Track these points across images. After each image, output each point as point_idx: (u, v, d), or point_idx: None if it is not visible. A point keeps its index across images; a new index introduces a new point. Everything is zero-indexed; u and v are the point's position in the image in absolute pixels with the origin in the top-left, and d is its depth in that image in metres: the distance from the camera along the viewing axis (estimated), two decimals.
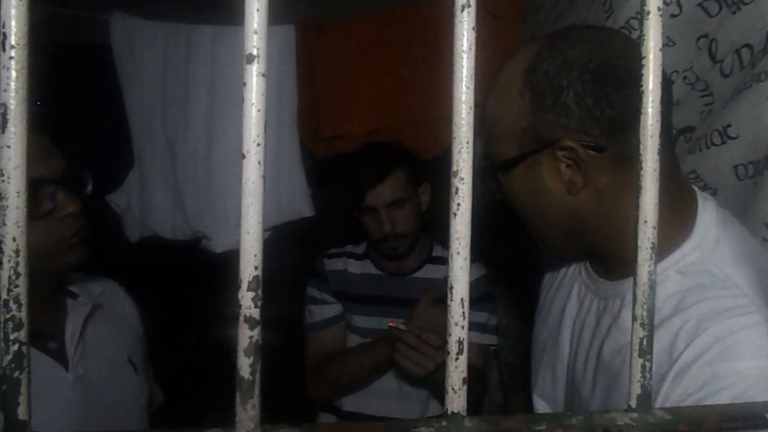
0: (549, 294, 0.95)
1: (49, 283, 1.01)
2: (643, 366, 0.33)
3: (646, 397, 0.33)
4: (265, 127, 0.29)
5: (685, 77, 0.95)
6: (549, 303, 0.94)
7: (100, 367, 1.04)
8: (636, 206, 0.33)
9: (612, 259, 0.77)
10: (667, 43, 0.96)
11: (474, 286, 1.52)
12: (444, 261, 1.59)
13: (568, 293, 0.88)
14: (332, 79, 1.91)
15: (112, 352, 1.09)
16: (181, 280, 2.64)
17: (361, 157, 1.57)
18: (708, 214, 0.72)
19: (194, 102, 1.99)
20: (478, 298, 1.53)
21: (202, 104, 1.99)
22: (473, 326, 1.52)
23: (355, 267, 1.62)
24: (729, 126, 0.88)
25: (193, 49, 1.97)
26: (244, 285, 0.29)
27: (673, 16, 0.94)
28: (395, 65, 1.88)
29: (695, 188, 0.76)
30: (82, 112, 2.61)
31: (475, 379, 1.44)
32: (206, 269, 2.05)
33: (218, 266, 1.56)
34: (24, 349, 0.27)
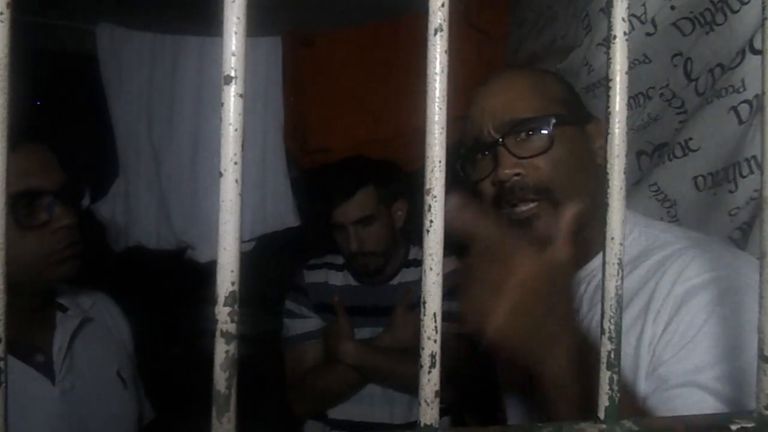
0: None
1: (36, 295, 1.00)
2: (611, 378, 0.34)
3: (614, 409, 0.34)
4: (243, 145, 0.30)
5: (661, 93, 0.97)
6: None
7: (88, 382, 1.03)
8: (603, 223, 0.34)
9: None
10: (644, 60, 0.98)
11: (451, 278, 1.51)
12: (421, 264, 1.57)
13: None
14: (318, 92, 1.92)
15: (101, 366, 1.08)
16: (165, 289, 2.62)
17: (331, 172, 1.55)
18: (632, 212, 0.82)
19: (180, 112, 1.99)
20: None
21: (188, 114, 1.99)
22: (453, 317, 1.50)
23: (336, 278, 1.61)
24: (690, 139, 0.90)
25: (179, 59, 1.97)
26: (221, 300, 0.29)
27: (648, 34, 0.97)
28: (381, 77, 1.89)
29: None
30: (67, 122, 2.59)
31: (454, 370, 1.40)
32: (191, 279, 2.04)
33: (203, 276, 1.55)
34: (1, 364, 0.27)
